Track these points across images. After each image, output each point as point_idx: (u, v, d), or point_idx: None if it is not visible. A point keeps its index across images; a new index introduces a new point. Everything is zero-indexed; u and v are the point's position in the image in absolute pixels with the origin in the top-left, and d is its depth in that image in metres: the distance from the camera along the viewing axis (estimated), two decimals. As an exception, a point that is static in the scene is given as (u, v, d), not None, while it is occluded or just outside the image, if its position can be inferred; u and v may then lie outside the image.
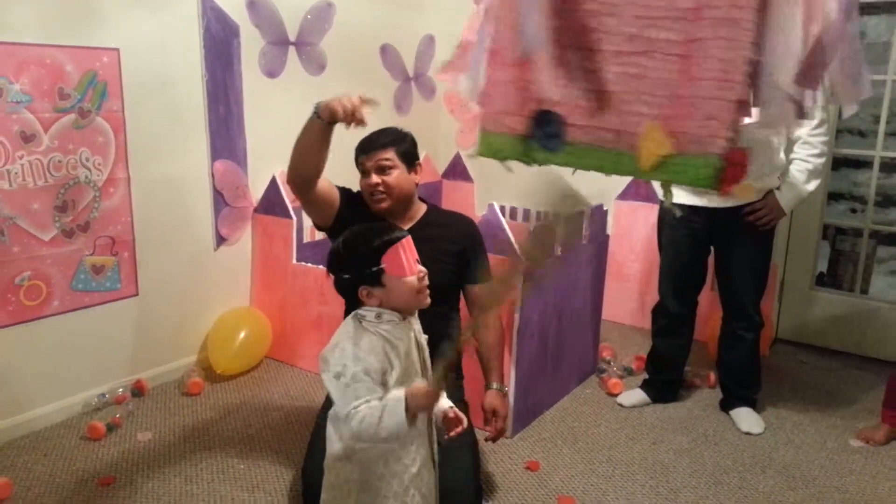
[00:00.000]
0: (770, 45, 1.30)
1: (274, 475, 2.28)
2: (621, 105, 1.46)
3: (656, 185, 2.82)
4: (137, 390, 2.80)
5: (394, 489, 1.50)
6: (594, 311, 3.07)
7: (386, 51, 3.79)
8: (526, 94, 1.59)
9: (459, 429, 1.67)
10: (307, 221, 2.93)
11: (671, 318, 2.76)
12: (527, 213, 4.07)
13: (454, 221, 2.20)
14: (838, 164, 3.49)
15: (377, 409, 1.38)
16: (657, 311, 2.82)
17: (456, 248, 2.10)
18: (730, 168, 1.35)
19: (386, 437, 1.40)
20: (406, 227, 2.03)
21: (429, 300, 1.56)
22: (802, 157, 2.51)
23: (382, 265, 1.48)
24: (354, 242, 1.54)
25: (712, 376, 2.97)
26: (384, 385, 1.43)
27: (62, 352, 2.61)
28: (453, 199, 4.14)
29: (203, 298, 3.06)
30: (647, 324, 2.96)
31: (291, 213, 3.06)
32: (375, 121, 1.92)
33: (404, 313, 1.52)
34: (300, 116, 1.91)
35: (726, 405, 2.77)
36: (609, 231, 3.12)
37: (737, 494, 2.24)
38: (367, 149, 2.06)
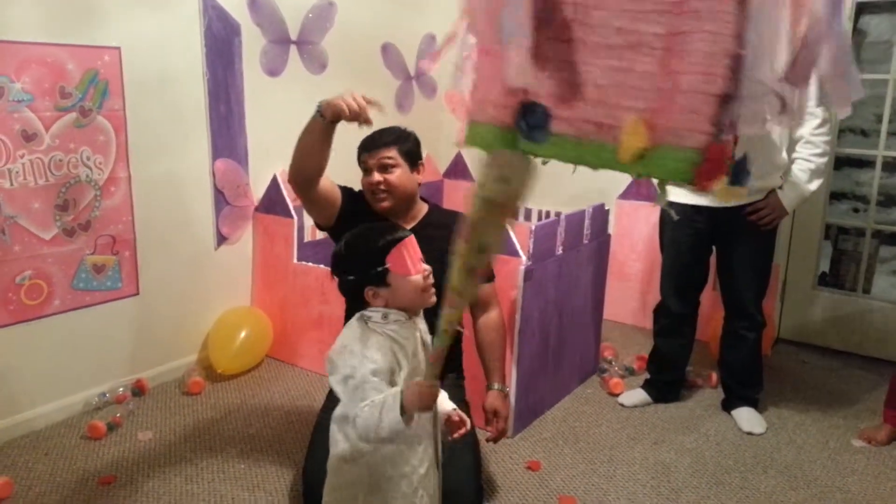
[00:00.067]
0: (753, 40, 1.29)
1: (274, 475, 2.27)
2: (605, 98, 1.47)
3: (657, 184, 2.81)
4: (138, 390, 2.80)
5: (402, 490, 1.50)
6: (595, 311, 3.07)
7: (387, 50, 3.78)
8: (511, 85, 1.60)
9: (463, 430, 1.67)
10: (308, 221, 2.93)
11: (673, 317, 2.76)
12: (528, 211, 4.07)
13: (456, 221, 2.18)
14: (841, 163, 3.48)
15: (377, 407, 1.38)
16: (659, 311, 2.82)
17: None
18: (708, 163, 1.35)
19: (387, 436, 1.39)
20: (407, 227, 2.03)
21: (434, 299, 1.56)
22: (805, 156, 2.50)
23: (387, 265, 1.47)
24: (358, 243, 1.54)
25: (714, 376, 2.97)
26: (392, 385, 1.43)
27: (63, 351, 2.61)
28: (455, 198, 4.13)
29: (204, 298, 3.06)
30: (648, 323, 2.96)
31: (292, 212, 3.06)
32: (377, 120, 1.92)
33: (410, 313, 1.52)
34: (301, 115, 1.91)
35: (728, 405, 2.77)
36: (610, 230, 3.12)
37: (738, 494, 2.24)
38: (369, 147, 2.05)
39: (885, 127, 3.27)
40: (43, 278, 2.51)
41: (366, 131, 1.99)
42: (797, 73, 1.28)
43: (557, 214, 2.79)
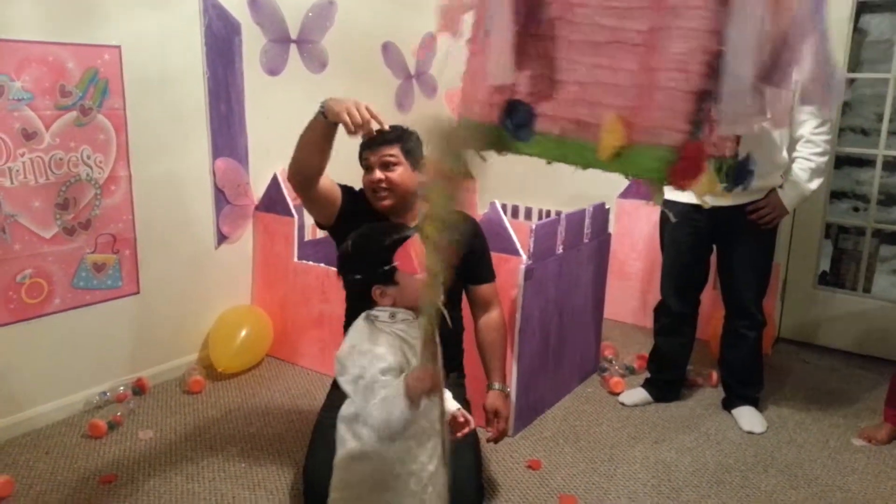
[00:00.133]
0: (733, 37, 1.28)
1: (275, 473, 2.27)
2: (587, 96, 1.47)
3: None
4: (138, 388, 2.80)
5: (411, 488, 1.51)
6: (596, 310, 3.07)
7: (387, 49, 3.78)
8: (491, 83, 1.61)
9: (466, 430, 1.70)
10: (308, 219, 2.93)
11: (673, 316, 2.76)
12: (528, 210, 4.07)
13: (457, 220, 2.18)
14: (841, 162, 3.48)
15: (387, 402, 1.39)
16: (659, 310, 2.82)
17: (461, 250, 2.08)
18: (684, 162, 1.34)
19: (401, 427, 1.41)
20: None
21: (443, 297, 1.57)
22: (805, 155, 2.50)
23: (395, 263, 1.48)
24: (365, 242, 1.55)
25: (714, 375, 2.97)
26: None
27: (63, 350, 2.61)
28: (455, 197, 4.13)
29: (204, 296, 3.06)
30: (649, 322, 2.96)
31: (293, 211, 3.06)
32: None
33: (417, 312, 1.52)
34: (302, 114, 1.91)
35: (728, 404, 2.77)
36: (611, 229, 3.12)
37: (739, 493, 2.24)
38: (371, 144, 2.03)
39: (885, 126, 3.27)
40: (43, 277, 2.51)
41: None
42: (778, 72, 1.27)
43: (558, 213, 2.79)
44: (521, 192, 4.05)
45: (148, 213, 2.78)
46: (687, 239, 2.65)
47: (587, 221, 2.84)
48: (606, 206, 3.01)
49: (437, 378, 1.40)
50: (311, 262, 3.03)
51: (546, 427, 2.64)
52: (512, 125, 1.57)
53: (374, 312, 1.51)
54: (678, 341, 2.79)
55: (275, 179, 3.10)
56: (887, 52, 3.26)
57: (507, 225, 2.51)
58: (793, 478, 2.33)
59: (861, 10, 3.27)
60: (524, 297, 2.47)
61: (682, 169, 1.34)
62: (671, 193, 2.42)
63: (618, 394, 2.88)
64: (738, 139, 1.51)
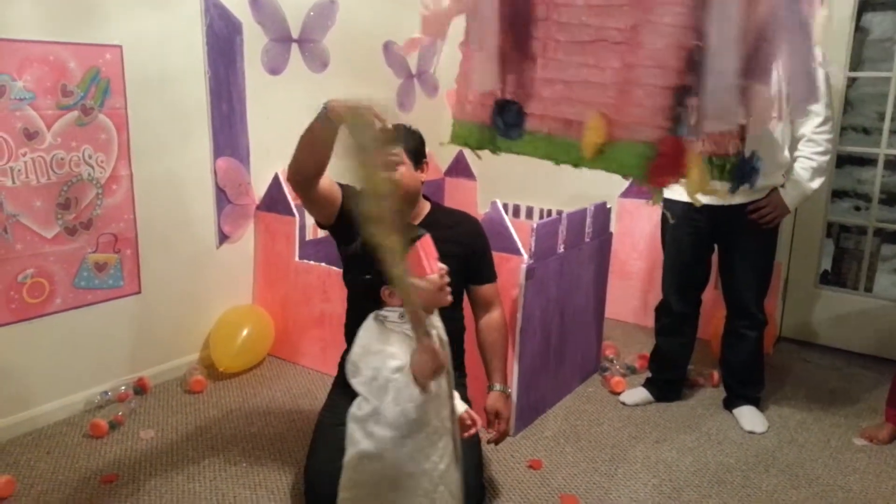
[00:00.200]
0: (711, 32, 1.27)
1: (276, 473, 2.28)
2: (573, 94, 1.47)
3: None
4: (140, 388, 2.80)
5: (424, 486, 1.51)
6: (597, 309, 3.06)
7: (388, 48, 3.78)
8: (475, 89, 1.63)
9: (473, 431, 1.74)
10: (310, 219, 2.93)
11: (674, 316, 2.75)
12: (529, 210, 4.07)
13: (459, 221, 2.18)
14: (842, 161, 3.48)
15: (400, 397, 1.40)
16: (660, 310, 2.81)
17: (462, 250, 2.08)
18: (662, 158, 1.34)
19: (418, 416, 1.42)
20: (409, 226, 2.03)
21: (450, 298, 1.58)
22: (807, 154, 2.50)
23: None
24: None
25: (715, 375, 2.97)
26: None
27: (65, 349, 2.61)
28: (456, 196, 4.13)
29: (205, 296, 3.06)
30: (650, 322, 2.96)
31: (294, 210, 3.06)
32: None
33: (426, 311, 1.53)
34: (303, 114, 1.90)
35: (729, 404, 2.77)
36: (612, 229, 3.12)
37: (740, 493, 2.24)
38: None
39: (887, 125, 3.27)
40: (45, 277, 2.51)
41: None
42: (755, 67, 1.27)
43: (559, 213, 2.79)
44: (523, 192, 4.05)
45: (149, 213, 2.78)
46: (688, 238, 2.64)
47: (588, 221, 2.84)
48: (608, 206, 3.01)
49: (438, 352, 1.39)
50: (312, 262, 3.03)
51: (547, 427, 2.64)
52: (503, 124, 1.58)
53: (383, 313, 1.52)
54: (679, 341, 2.79)
55: (276, 179, 3.10)
56: (889, 51, 3.25)
57: (509, 224, 2.51)
58: (794, 477, 2.33)
59: (863, 8, 3.26)
60: (525, 297, 2.47)
61: (661, 165, 1.33)
62: (671, 193, 2.42)
63: (619, 393, 2.88)
64: (741, 138, 1.50)
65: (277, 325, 3.15)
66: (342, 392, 2.16)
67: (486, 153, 1.72)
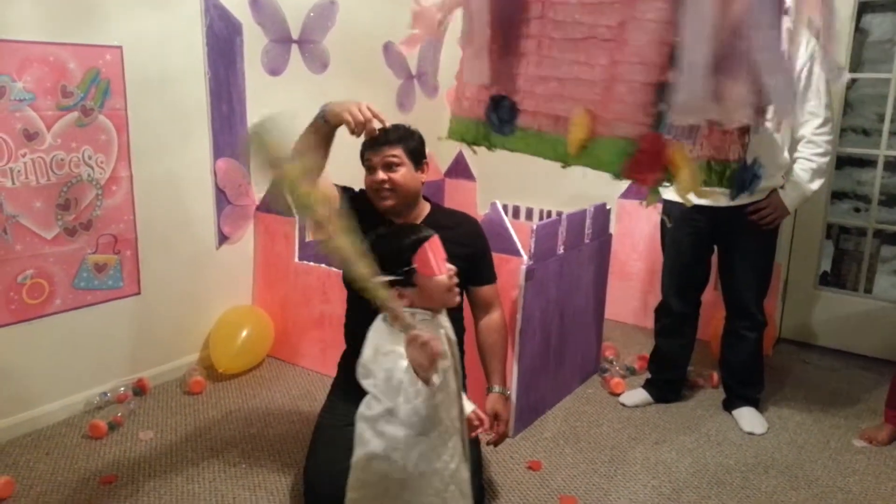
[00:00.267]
0: (685, 25, 1.27)
1: (275, 474, 2.28)
2: (564, 91, 1.48)
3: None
4: (139, 389, 2.80)
5: (435, 486, 1.52)
6: (597, 310, 3.06)
7: (388, 49, 3.78)
8: (467, 82, 1.65)
9: (480, 430, 1.76)
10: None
11: (674, 317, 2.75)
12: (529, 211, 4.07)
13: (459, 222, 2.17)
14: (842, 162, 3.48)
15: (407, 391, 1.41)
16: (660, 311, 2.81)
17: (462, 251, 2.08)
18: (641, 155, 1.34)
19: (429, 412, 1.43)
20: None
21: (458, 298, 1.59)
22: (806, 155, 2.50)
23: (413, 265, 1.48)
24: (383, 244, 1.55)
25: (715, 376, 2.97)
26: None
27: (64, 350, 2.61)
28: (456, 197, 4.13)
29: (205, 297, 3.06)
30: (649, 323, 2.96)
31: (294, 211, 3.05)
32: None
33: (434, 311, 1.54)
34: (303, 115, 1.90)
35: (729, 405, 2.77)
36: (612, 230, 3.12)
37: (739, 494, 2.24)
38: (374, 145, 2.00)
39: (886, 126, 3.27)
40: (44, 277, 2.51)
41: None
42: (728, 65, 1.27)
43: (559, 214, 2.79)
44: (522, 193, 4.05)
45: (149, 214, 2.78)
46: (688, 239, 2.64)
47: (588, 222, 2.84)
48: (607, 207, 3.01)
49: (429, 341, 1.39)
50: (311, 263, 3.03)
51: (546, 428, 2.64)
52: (497, 120, 1.59)
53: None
54: (679, 342, 2.79)
55: (276, 180, 3.10)
56: (888, 53, 3.25)
57: (508, 225, 2.51)
58: (793, 479, 2.33)
59: (862, 10, 3.26)
60: (525, 298, 2.47)
61: (640, 161, 1.34)
62: (670, 194, 2.42)
63: (618, 394, 2.88)
64: (743, 143, 1.50)
65: (277, 326, 3.15)
66: (341, 393, 2.16)
67: (482, 150, 1.73)
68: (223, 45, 2.95)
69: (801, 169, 2.50)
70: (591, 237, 2.88)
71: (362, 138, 1.92)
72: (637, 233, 3.69)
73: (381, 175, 2.01)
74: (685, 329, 2.78)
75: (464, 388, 2.18)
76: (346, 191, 2.12)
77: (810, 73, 2.39)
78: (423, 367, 1.38)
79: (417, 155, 2.07)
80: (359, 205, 2.10)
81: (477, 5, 1.59)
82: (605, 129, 1.38)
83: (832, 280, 3.62)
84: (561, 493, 2.22)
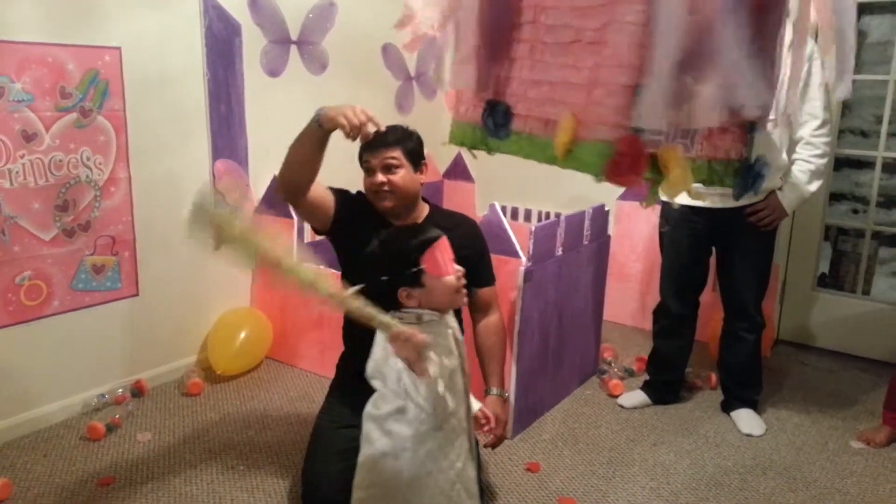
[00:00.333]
0: (655, 26, 1.28)
1: (274, 476, 2.27)
2: (556, 95, 1.49)
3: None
4: (137, 391, 2.79)
5: (441, 485, 1.53)
6: (595, 312, 3.06)
7: (387, 50, 3.78)
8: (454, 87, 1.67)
9: (487, 429, 1.79)
10: (308, 221, 2.92)
11: (672, 318, 2.76)
12: (528, 212, 4.07)
13: (458, 224, 2.17)
14: (840, 164, 3.48)
15: (412, 393, 1.44)
16: (658, 312, 2.82)
17: (461, 253, 2.07)
18: (620, 157, 1.35)
19: (433, 407, 1.44)
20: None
21: (466, 299, 1.60)
22: (804, 157, 2.50)
23: (422, 266, 1.49)
24: (392, 244, 1.56)
25: (713, 377, 2.97)
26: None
27: (62, 352, 2.60)
28: (455, 199, 4.13)
29: (203, 298, 3.06)
30: (648, 324, 2.96)
31: (292, 212, 3.05)
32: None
33: (441, 312, 1.54)
34: (302, 116, 1.90)
35: (727, 406, 2.77)
36: (610, 231, 3.12)
37: (737, 496, 2.24)
38: (372, 146, 1.99)
39: (884, 128, 3.27)
40: (42, 279, 2.50)
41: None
42: (694, 64, 1.27)
43: (557, 215, 2.79)
44: (521, 194, 4.05)
45: (147, 215, 2.78)
46: (686, 241, 2.65)
47: (587, 223, 2.84)
48: (606, 208, 3.01)
49: (408, 332, 1.41)
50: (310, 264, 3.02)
51: (545, 429, 2.64)
52: (492, 125, 1.61)
53: (399, 314, 1.52)
54: (677, 343, 2.79)
55: (274, 181, 3.10)
56: (887, 54, 3.26)
57: (507, 227, 2.51)
58: (791, 480, 2.33)
59: (861, 11, 3.27)
60: (523, 299, 2.47)
61: (617, 164, 1.35)
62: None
63: (617, 396, 2.88)
64: (745, 143, 1.50)
65: (275, 327, 3.15)
66: (340, 395, 2.16)
67: (481, 153, 1.75)
68: (222, 46, 2.95)
69: (800, 170, 2.50)
70: (590, 239, 2.88)
71: (359, 142, 1.92)
72: (636, 234, 3.69)
73: (380, 177, 2.01)
74: (683, 330, 2.78)
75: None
76: (341, 194, 2.11)
77: (809, 74, 2.39)
78: (413, 360, 1.40)
79: (416, 156, 2.07)
80: (357, 207, 2.10)
81: (464, 14, 1.62)
82: (587, 132, 1.40)
83: (830, 282, 3.63)
84: (559, 495, 2.22)
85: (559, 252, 2.67)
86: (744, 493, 2.26)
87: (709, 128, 1.46)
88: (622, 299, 3.70)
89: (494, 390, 2.08)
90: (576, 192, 3.32)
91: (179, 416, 2.67)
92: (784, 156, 2.50)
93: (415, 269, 1.50)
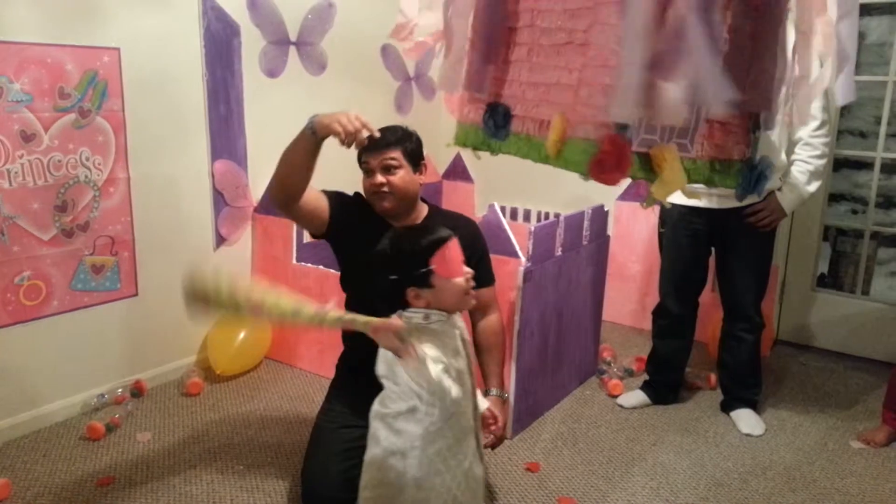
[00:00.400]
0: (624, 23, 1.29)
1: (273, 476, 2.27)
2: (550, 96, 1.51)
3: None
4: (137, 391, 2.79)
5: (448, 484, 1.53)
6: (595, 312, 3.07)
7: (386, 51, 3.78)
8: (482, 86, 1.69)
9: (494, 428, 1.81)
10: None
11: (672, 318, 2.76)
12: (527, 212, 4.08)
13: (458, 225, 2.16)
14: (839, 165, 3.48)
15: (436, 388, 1.45)
16: (657, 312, 2.82)
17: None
18: (602, 154, 1.36)
19: (430, 397, 1.46)
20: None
21: (474, 301, 1.60)
22: (804, 158, 2.51)
23: (432, 266, 1.49)
24: (402, 244, 1.56)
25: (713, 377, 2.97)
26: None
27: (61, 352, 2.60)
28: (454, 199, 4.13)
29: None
30: (647, 325, 2.96)
31: (291, 213, 3.05)
32: (376, 122, 1.91)
33: (449, 312, 1.54)
34: (301, 116, 1.90)
35: (727, 406, 2.77)
36: (610, 231, 3.12)
37: (737, 496, 2.24)
38: (372, 147, 1.97)
39: (883, 129, 3.28)
40: (41, 279, 2.50)
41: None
42: (663, 63, 1.28)
43: (557, 216, 2.79)
44: (520, 195, 4.06)
45: (146, 215, 2.78)
46: (685, 241, 2.65)
47: (586, 224, 2.84)
48: (605, 209, 3.01)
49: (384, 323, 1.43)
50: (309, 265, 3.03)
51: (545, 429, 2.64)
52: (493, 126, 1.63)
53: (406, 313, 1.52)
54: (676, 343, 2.79)
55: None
56: (885, 55, 3.26)
57: (506, 227, 2.51)
58: (791, 480, 2.34)
59: (860, 12, 3.27)
60: (523, 300, 2.47)
61: (601, 162, 1.36)
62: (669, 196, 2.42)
63: (616, 396, 2.88)
64: (748, 142, 1.50)
65: (275, 327, 3.14)
66: (339, 395, 2.16)
67: (485, 154, 1.77)
68: (221, 46, 2.95)
69: (799, 171, 2.51)
70: (589, 239, 2.88)
71: (354, 148, 1.91)
72: (635, 235, 3.69)
73: (380, 178, 2.01)
74: (683, 331, 2.78)
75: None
76: (336, 197, 2.10)
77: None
78: (396, 346, 1.41)
79: (416, 157, 2.07)
80: (355, 209, 2.09)
81: (458, 21, 1.63)
82: (574, 131, 1.42)
83: (829, 282, 3.63)
84: (559, 495, 2.22)
85: (559, 252, 2.67)
86: (743, 493, 2.26)
87: (710, 127, 1.46)
88: (621, 299, 3.70)
89: (494, 391, 2.08)
90: (575, 192, 3.32)
91: (179, 416, 2.67)
92: (783, 156, 2.50)
93: (424, 270, 1.50)
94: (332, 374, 2.28)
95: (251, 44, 3.08)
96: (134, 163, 2.71)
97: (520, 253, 2.48)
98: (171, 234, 2.89)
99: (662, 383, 2.85)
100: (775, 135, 2.41)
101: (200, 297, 1.51)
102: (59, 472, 2.28)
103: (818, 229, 3.49)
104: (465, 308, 1.60)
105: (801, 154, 2.51)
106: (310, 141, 1.83)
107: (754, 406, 2.74)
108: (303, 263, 3.05)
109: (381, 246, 1.60)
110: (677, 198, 2.48)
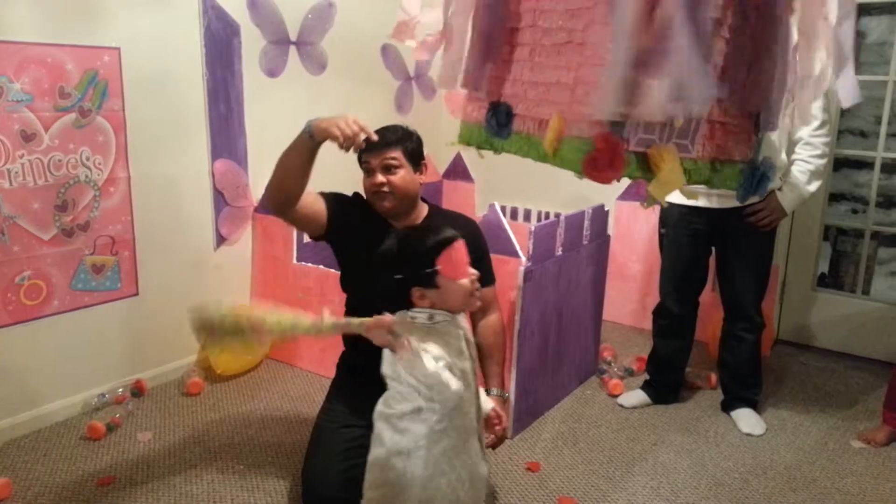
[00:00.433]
0: (612, 21, 1.30)
1: (274, 476, 2.27)
2: (550, 95, 1.52)
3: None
4: (137, 390, 2.79)
5: (452, 485, 1.53)
6: (595, 312, 3.07)
7: (387, 50, 3.78)
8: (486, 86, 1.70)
9: (498, 428, 1.82)
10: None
11: (672, 318, 2.76)
12: (528, 212, 4.08)
13: (458, 225, 2.16)
14: (840, 164, 3.48)
15: (441, 388, 1.45)
16: (658, 312, 2.82)
17: None
18: (596, 152, 1.37)
19: (430, 393, 1.46)
20: (408, 229, 2.02)
21: (480, 302, 1.60)
22: (804, 157, 2.51)
23: (437, 267, 1.49)
24: (408, 244, 1.56)
25: (713, 377, 2.97)
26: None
27: (62, 351, 2.60)
28: (454, 199, 4.13)
29: (203, 298, 3.03)
30: (648, 324, 2.96)
31: (292, 212, 3.05)
32: (376, 122, 1.91)
33: (453, 313, 1.54)
34: (301, 116, 1.90)
35: (727, 406, 2.77)
36: (610, 231, 3.12)
37: (737, 496, 2.24)
38: (372, 147, 1.95)
39: (884, 128, 3.28)
40: (42, 279, 2.50)
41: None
42: (647, 61, 1.28)
43: (557, 215, 2.79)
44: (521, 194, 4.06)
45: (147, 215, 2.78)
46: (686, 241, 2.65)
47: (586, 223, 2.84)
48: (606, 208, 3.01)
49: (376, 321, 1.44)
50: (310, 264, 3.03)
51: (545, 429, 2.64)
52: (495, 125, 1.64)
53: (411, 313, 1.52)
54: (677, 343, 2.79)
55: (274, 181, 3.10)
56: (885, 55, 3.26)
57: (507, 227, 2.51)
58: (791, 480, 2.34)
59: (860, 12, 3.27)
60: (523, 299, 2.47)
61: (594, 160, 1.37)
62: (670, 196, 2.42)
63: (617, 396, 2.88)
64: (750, 143, 1.49)
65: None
66: (340, 394, 2.16)
67: (488, 153, 1.77)
68: (221, 46, 2.95)
69: (799, 171, 2.51)
70: (590, 239, 2.88)
71: (352, 152, 1.91)
72: (635, 234, 3.69)
73: (380, 178, 2.00)
74: (683, 330, 2.78)
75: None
76: (334, 198, 2.09)
77: None
78: (388, 341, 1.42)
79: (416, 156, 2.06)
80: (354, 209, 2.09)
81: (458, 20, 1.64)
82: (570, 129, 1.43)
83: (830, 282, 3.63)
84: (560, 495, 2.22)
85: (559, 252, 2.67)
86: (744, 493, 2.26)
87: (711, 128, 1.45)
88: (622, 299, 3.70)
89: (494, 390, 2.08)
90: (576, 192, 3.33)
91: (179, 415, 2.67)
92: (783, 156, 2.50)
93: (430, 270, 1.50)
94: (332, 373, 2.28)
95: (251, 43, 3.08)
96: (134, 162, 2.71)
97: (520, 253, 2.48)
98: (172, 233, 2.89)
99: (663, 383, 2.85)
100: (775, 134, 2.40)
101: (207, 328, 1.52)
102: (60, 472, 2.28)
103: (818, 229, 3.49)
104: (470, 309, 1.61)
105: (801, 154, 2.51)
106: (307, 145, 1.82)
107: (755, 406, 2.74)
108: (303, 263, 3.05)
109: (386, 245, 1.60)
110: (677, 198, 2.49)
